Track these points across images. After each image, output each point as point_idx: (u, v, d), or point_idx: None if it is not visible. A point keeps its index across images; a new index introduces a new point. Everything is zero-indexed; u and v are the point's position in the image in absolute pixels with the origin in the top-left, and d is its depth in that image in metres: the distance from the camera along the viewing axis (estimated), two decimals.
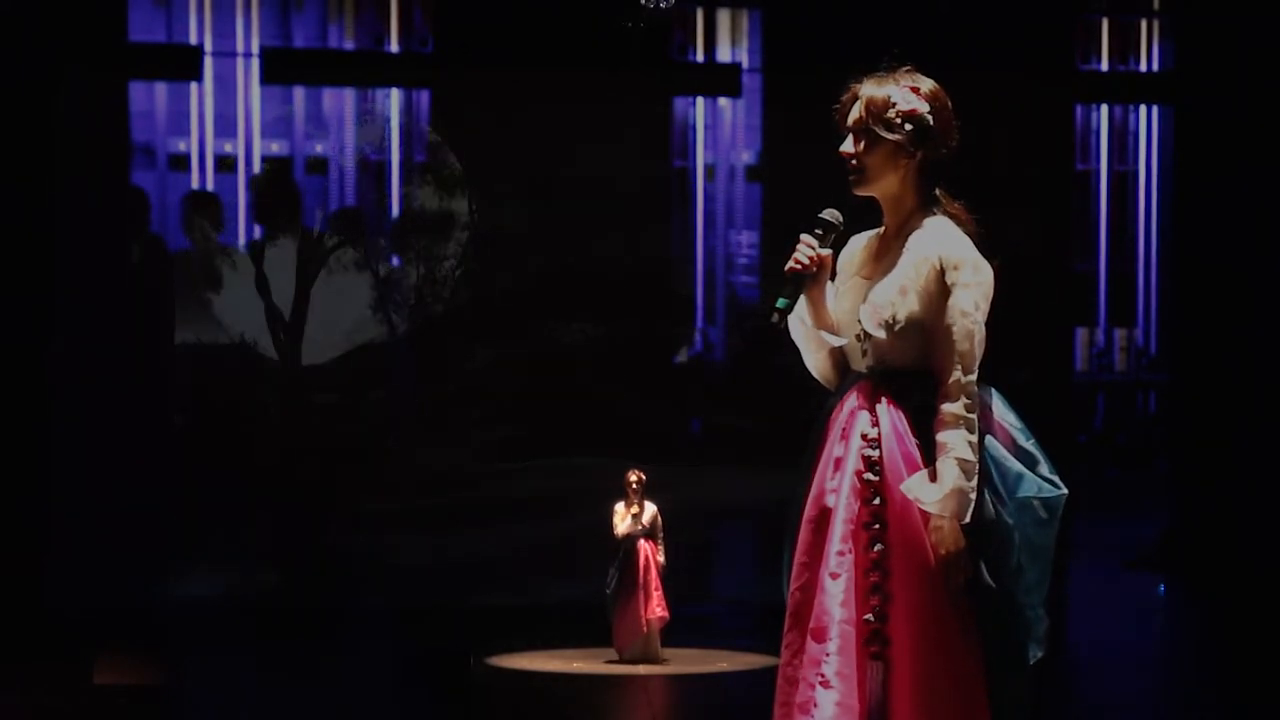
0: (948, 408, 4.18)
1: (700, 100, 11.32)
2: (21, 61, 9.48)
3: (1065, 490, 4.27)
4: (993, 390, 4.30)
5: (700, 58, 11.47)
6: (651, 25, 9.08)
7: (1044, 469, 4.28)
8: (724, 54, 11.48)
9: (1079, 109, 12.19)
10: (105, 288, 9.75)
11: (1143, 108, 13.46)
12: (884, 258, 4.35)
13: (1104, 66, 13.26)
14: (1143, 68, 13.29)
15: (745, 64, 11.24)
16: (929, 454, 4.21)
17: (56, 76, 9.55)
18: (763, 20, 10.95)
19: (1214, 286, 11.02)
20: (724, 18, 11.46)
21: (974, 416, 4.18)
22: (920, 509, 4.19)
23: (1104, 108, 13.45)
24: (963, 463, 4.14)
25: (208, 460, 9.95)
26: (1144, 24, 13.27)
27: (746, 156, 10.92)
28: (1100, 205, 13.53)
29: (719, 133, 11.40)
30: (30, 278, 9.52)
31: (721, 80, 11.14)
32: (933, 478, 4.19)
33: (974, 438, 4.17)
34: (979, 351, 4.22)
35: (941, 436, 4.17)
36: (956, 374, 4.19)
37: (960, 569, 4.15)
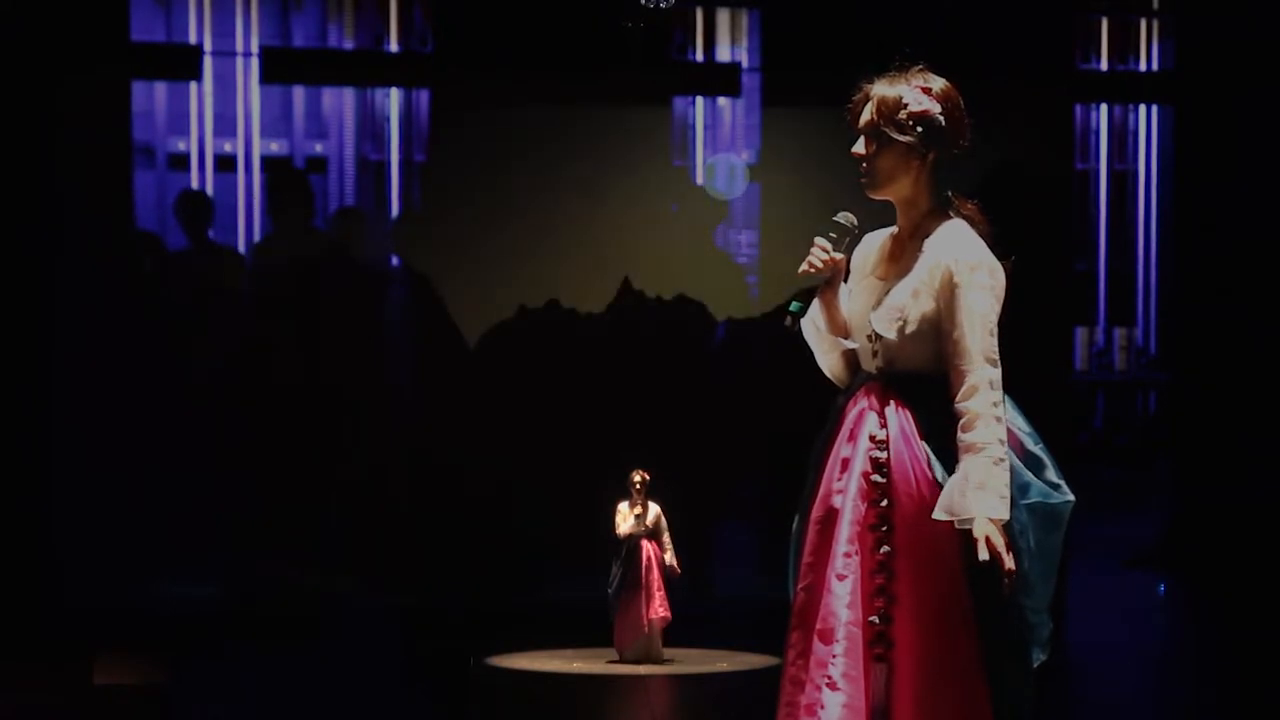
0: (973, 405, 4.16)
1: (700, 100, 11.32)
2: (21, 61, 9.48)
3: (1073, 497, 4.27)
4: (1004, 395, 4.30)
5: (700, 57, 11.47)
6: (651, 25, 9.08)
7: (1051, 474, 4.28)
8: (724, 54, 11.47)
9: (1078, 108, 12.18)
10: (105, 287, 9.75)
11: (1142, 107, 13.46)
12: (899, 259, 4.35)
13: (1103, 66, 13.26)
14: (1142, 67, 13.29)
15: (745, 64, 11.24)
16: (938, 456, 4.21)
17: (57, 76, 9.56)
18: (763, 20, 10.94)
19: (1214, 286, 11.02)
20: (724, 17, 11.46)
21: (1001, 411, 4.17)
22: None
23: (1103, 107, 13.44)
24: (999, 461, 4.13)
25: (208, 460, 9.95)
26: (1144, 23, 13.27)
27: (746, 156, 10.92)
28: (1100, 205, 13.53)
29: (719, 133, 11.40)
30: (30, 277, 9.52)
31: (721, 80, 11.14)
32: (944, 486, 4.19)
33: (1003, 433, 4.16)
34: (996, 349, 4.22)
35: (971, 436, 4.14)
36: (979, 370, 4.18)
37: (1015, 561, 4.15)
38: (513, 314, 10.17)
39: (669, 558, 7.06)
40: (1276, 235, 10.79)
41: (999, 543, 4.09)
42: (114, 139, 9.88)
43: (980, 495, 4.11)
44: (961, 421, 4.16)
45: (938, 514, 4.15)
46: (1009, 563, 4.09)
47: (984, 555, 4.07)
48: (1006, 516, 4.12)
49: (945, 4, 9.55)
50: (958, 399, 4.18)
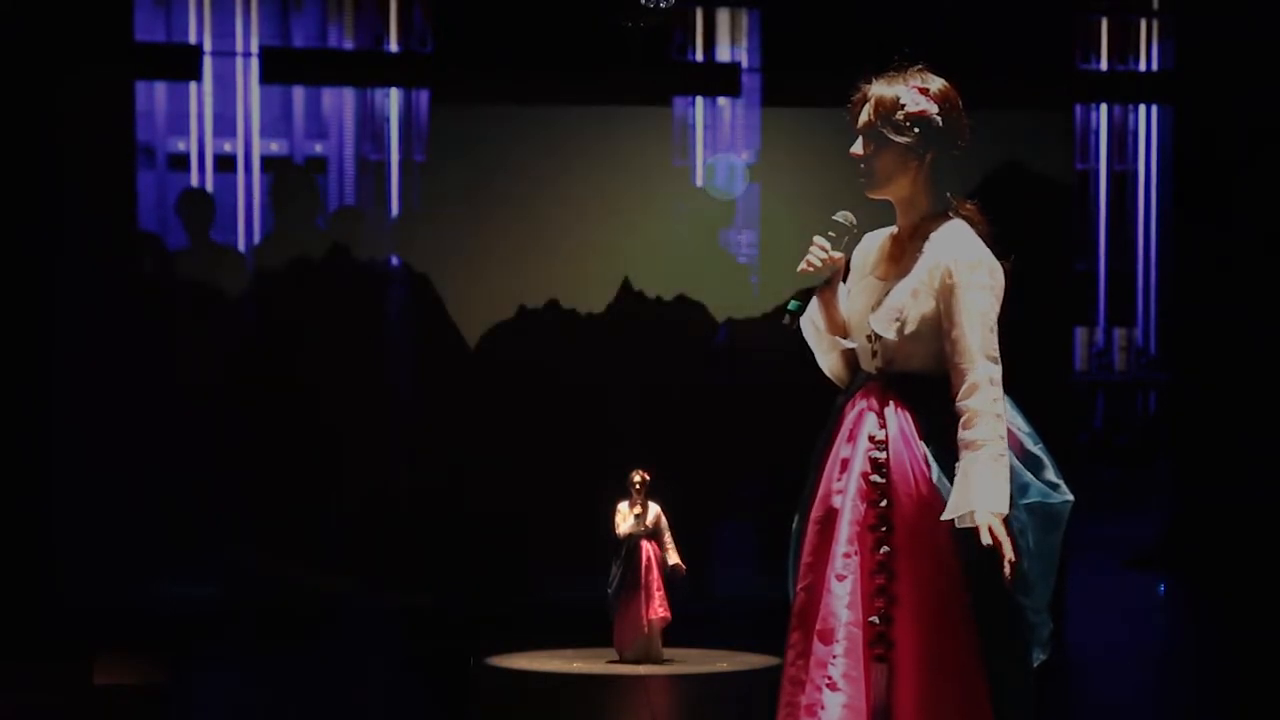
0: (973, 403, 4.16)
1: (700, 100, 11.31)
2: (22, 61, 9.49)
3: (1071, 497, 4.27)
4: (1004, 394, 4.30)
5: (700, 57, 11.46)
6: (651, 25, 9.08)
7: (1050, 474, 4.28)
8: (724, 54, 11.47)
9: (1078, 108, 12.18)
10: (105, 287, 9.75)
11: (1142, 107, 13.46)
12: (898, 259, 4.35)
13: (1103, 66, 13.26)
14: (1142, 67, 13.29)
15: (745, 64, 11.23)
16: (937, 457, 4.22)
17: (58, 76, 9.56)
18: (763, 20, 10.94)
19: (1214, 286, 11.03)
20: (724, 17, 11.45)
21: (1002, 409, 4.18)
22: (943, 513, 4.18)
23: (1103, 107, 13.44)
24: (999, 457, 4.14)
25: (208, 460, 9.95)
26: (1144, 23, 13.27)
27: (746, 156, 10.91)
28: (1100, 205, 13.53)
29: (719, 133, 11.40)
30: (30, 277, 9.52)
31: (721, 80, 11.13)
32: (942, 486, 4.20)
33: (1004, 430, 4.17)
34: (996, 347, 4.23)
35: (972, 434, 4.15)
36: (979, 368, 4.18)
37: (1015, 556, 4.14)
38: (513, 314, 10.17)
39: (672, 557, 7.05)
40: (1276, 235, 10.79)
41: (1001, 532, 4.09)
42: (116, 139, 9.88)
43: (982, 490, 4.11)
44: (962, 419, 4.16)
45: (946, 516, 4.14)
46: (1009, 552, 4.09)
47: (986, 540, 4.06)
48: (1006, 510, 4.12)
49: (945, 4, 9.55)
50: (958, 397, 4.18)
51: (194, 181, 11.07)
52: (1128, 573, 11.26)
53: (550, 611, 9.07)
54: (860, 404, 4.35)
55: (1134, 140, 13.52)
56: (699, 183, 10.97)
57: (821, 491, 4.37)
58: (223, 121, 11.10)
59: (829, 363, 4.50)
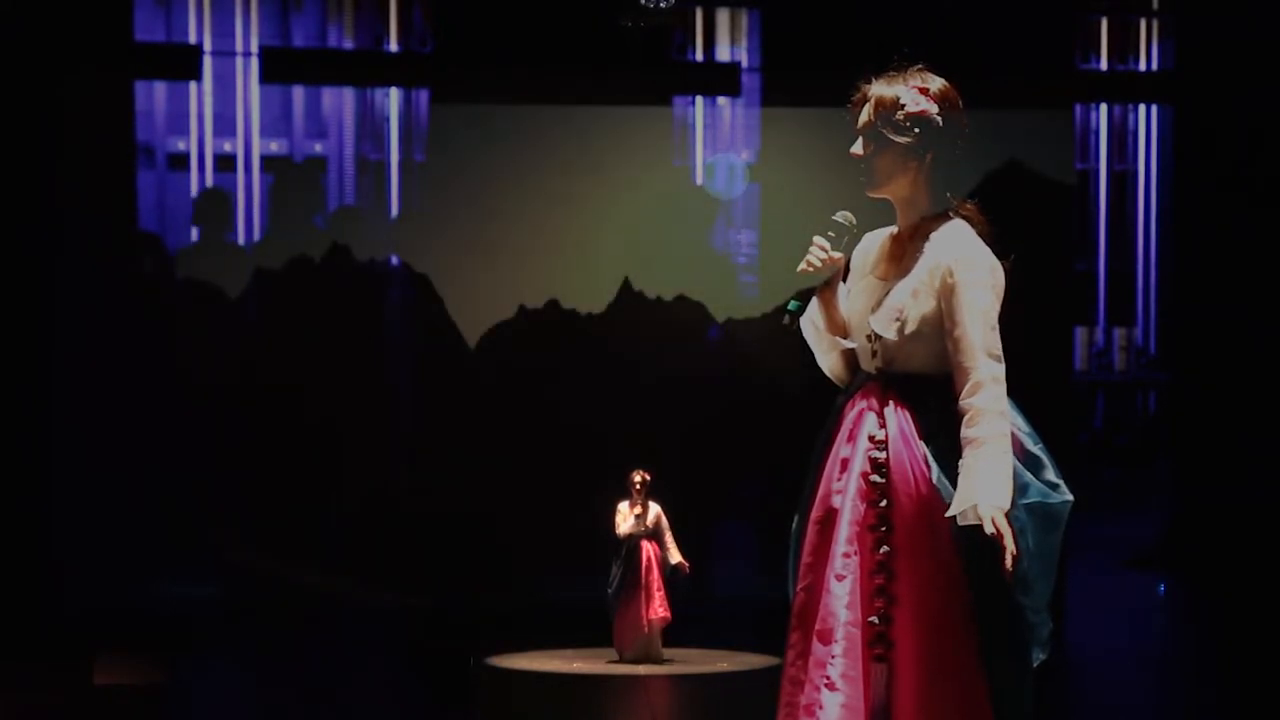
0: (976, 401, 4.16)
1: (700, 100, 11.32)
2: (23, 60, 9.49)
3: (1071, 497, 4.27)
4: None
5: (700, 57, 11.46)
6: (651, 25, 9.08)
7: (1050, 474, 4.28)
8: (724, 54, 11.47)
9: (1078, 108, 12.17)
10: (105, 287, 9.76)
11: (1142, 107, 13.46)
12: (899, 259, 4.35)
13: (1103, 66, 13.25)
14: (1142, 67, 13.29)
15: (745, 64, 11.24)
16: (937, 457, 4.21)
17: (58, 76, 9.56)
18: (763, 20, 10.95)
19: (1214, 286, 11.03)
20: (724, 17, 11.45)
21: (1005, 405, 4.17)
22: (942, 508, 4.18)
23: (1103, 107, 13.44)
24: (1003, 454, 4.13)
25: (207, 460, 9.95)
26: (1144, 23, 13.27)
27: (746, 156, 10.92)
28: (1100, 204, 13.53)
29: (719, 133, 11.40)
30: (30, 277, 9.52)
31: (721, 80, 11.14)
32: (941, 486, 4.19)
33: (1007, 427, 4.17)
34: (999, 345, 4.22)
35: (975, 431, 4.14)
36: (981, 366, 4.18)
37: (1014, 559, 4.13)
38: (513, 314, 10.17)
39: (675, 556, 7.05)
40: (1276, 235, 10.79)
41: (1003, 525, 4.08)
42: (116, 139, 9.88)
43: (985, 485, 4.10)
44: (965, 417, 4.16)
45: (951, 513, 4.14)
46: (1011, 544, 4.08)
47: (990, 530, 4.06)
48: (1009, 506, 4.11)
49: (945, 4, 9.56)
50: (961, 395, 4.18)
51: (193, 181, 11.08)
52: (1128, 573, 11.27)
53: (550, 611, 9.08)
54: (860, 404, 4.34)
55: (1134, 140, 13.52)
56: (699, 183, 10.97)
57: (821, 491, 4.37)
58: (223, 121, 11.10)
59: (829, 363, 4.50)
